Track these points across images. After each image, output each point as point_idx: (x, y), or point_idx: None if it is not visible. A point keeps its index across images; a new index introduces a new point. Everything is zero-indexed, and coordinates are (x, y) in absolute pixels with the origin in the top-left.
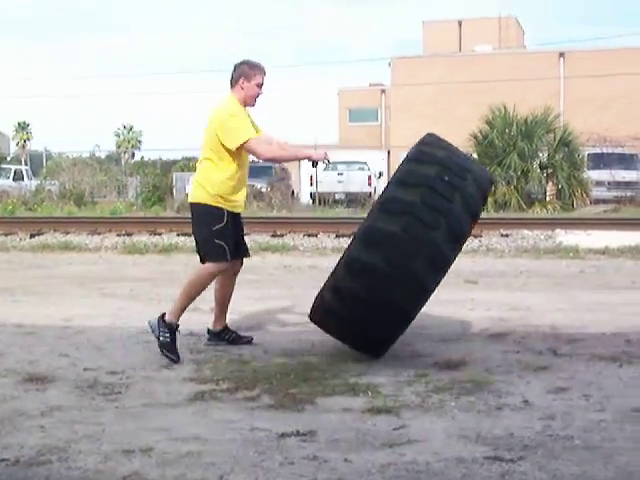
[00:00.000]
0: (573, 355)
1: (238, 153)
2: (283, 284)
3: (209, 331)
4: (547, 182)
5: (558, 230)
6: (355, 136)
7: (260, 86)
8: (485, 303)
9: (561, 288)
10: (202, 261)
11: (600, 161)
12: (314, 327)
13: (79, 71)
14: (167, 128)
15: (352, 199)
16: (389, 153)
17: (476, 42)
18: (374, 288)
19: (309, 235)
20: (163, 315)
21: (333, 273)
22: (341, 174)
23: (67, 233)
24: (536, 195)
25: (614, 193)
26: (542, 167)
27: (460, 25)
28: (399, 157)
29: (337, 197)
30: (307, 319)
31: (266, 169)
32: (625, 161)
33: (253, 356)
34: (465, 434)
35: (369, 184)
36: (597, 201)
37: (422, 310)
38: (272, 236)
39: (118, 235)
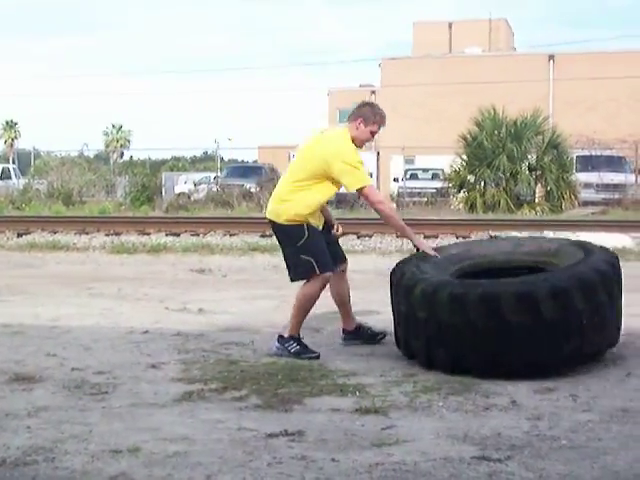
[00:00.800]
0: None
1: (338, 185)
2: (272, 284)
3: (344, 331)
4: (536, 184)
5: (546, 232)
6: None
7: (373, 134)
8: None
9: None
10: (293, 280)
11: (588, 163)
12: (304, 327)
13: (68, 70)
14: (157, 128)
15: (341, 200)
16: (378, 154)
17: (466, 44)
18: None
19: None
20: (280, 336)
21: None
22: None
23: (55, 232)
24: (525, 197)
25: (602, 195)
26: (531, 169)
27: (450, 27)
28: (388, 158)
29: None
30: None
31: (256, 169)
32: (613, 163)
33: (241, 356)
34: (453, 434)
35: None
36: (585, 203)
37: None
38: (261, 236)
39: (106, 235)
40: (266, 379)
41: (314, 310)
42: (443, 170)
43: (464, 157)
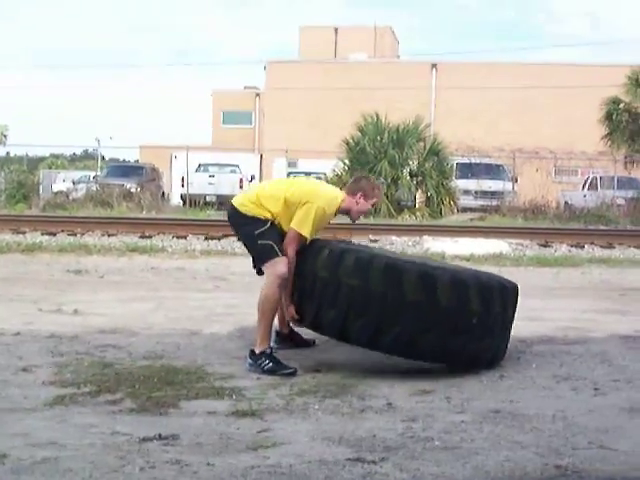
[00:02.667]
0: None
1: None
2: (150, 286)
3: (278, 334)
4: (416, 190)
5: (426, 237)
6: (228, 138)
7: (374, 205)
8: None
9: None
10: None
11: (468, 171)
12: (181, 329)
13: None
14: (34, 123)
15: (223, 201)
16: (262, 157)
17: (351, 50)
18: None
19: (178, 237)
20: (252, 352)
21: None
22: (212, 176)
23: None
24: (406, 202)
25: (480, 202)
26: (412, 175)
27: (336, 32)
28: (271, 161)
29: (208, 199)
30: (172, 321)
31: (136, 169)
32: (491, 171)
33: (117, 359)
34: (328, 436)
35: (240, 187)
36: (464, 209)
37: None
38: (140, 237)
39: None
40: (141, 382)
41: (191, 311)
42: (325, 174)
43: (346, 162)
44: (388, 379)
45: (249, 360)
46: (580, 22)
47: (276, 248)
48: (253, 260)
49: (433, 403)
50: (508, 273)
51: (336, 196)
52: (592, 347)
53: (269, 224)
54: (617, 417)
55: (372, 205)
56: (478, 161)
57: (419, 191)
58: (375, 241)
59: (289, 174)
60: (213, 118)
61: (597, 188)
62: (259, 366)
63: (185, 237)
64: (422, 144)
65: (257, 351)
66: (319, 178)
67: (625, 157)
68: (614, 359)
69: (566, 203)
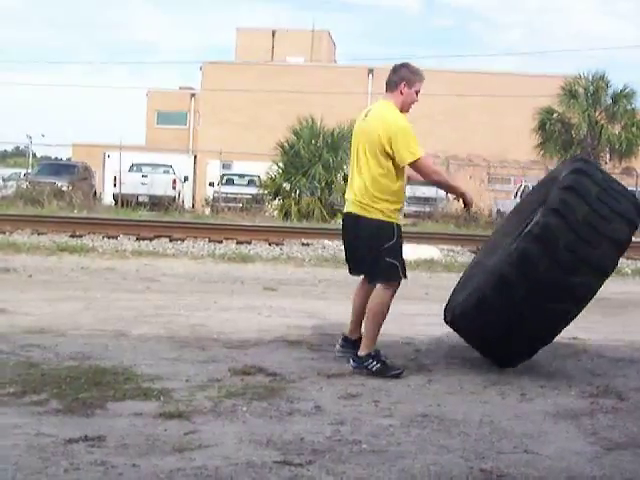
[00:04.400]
0: None
1: (403, 167)
2: (79, 286)
3: (345, 339)
4: None
5: None
6: (162, 139)
7: (418, 93)
8: (283, 310)
9: None
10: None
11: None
12: (110, 330)
13: None
14: None
15: (156, 202)
16: (196, 158)
17: (289, 53)
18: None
19: (109, 237)
20: (356, 355)
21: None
22: (145, 176)
23: None
24: (339, 206)
25: (414, 208)
26: (346, 179)
27: (274, 35)
28: (205, 162)
29: (140, 199)
30: (101, 321)
31: (69, 167)
32: None
33: (43, 359)
34: (256, 439)
35: (174, 187)
36: None
37: (220, 316)
38: (71, 236)
39: None
40: (68, 383)
41: (120, 312)
42: (259, 177)
43: (281, 165)
44: (317, 383)
45: (353, 363)
46: (516, 32)
47: (398, 269)
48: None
49: (361, 407)
50: (439, 279)
51: (390, 104)
52: None
53: (395, 232)
54: (543, 422)
55: (416, 93)
56: None
57: None
58: (307, 245)
59: (223, 176)
60: (147, 118)
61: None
62: (366, 367)
63: (116, 237)
64: None
65: (364, 353)
66: (252, 181)
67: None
68: (541, 365)
69: (498, 211)
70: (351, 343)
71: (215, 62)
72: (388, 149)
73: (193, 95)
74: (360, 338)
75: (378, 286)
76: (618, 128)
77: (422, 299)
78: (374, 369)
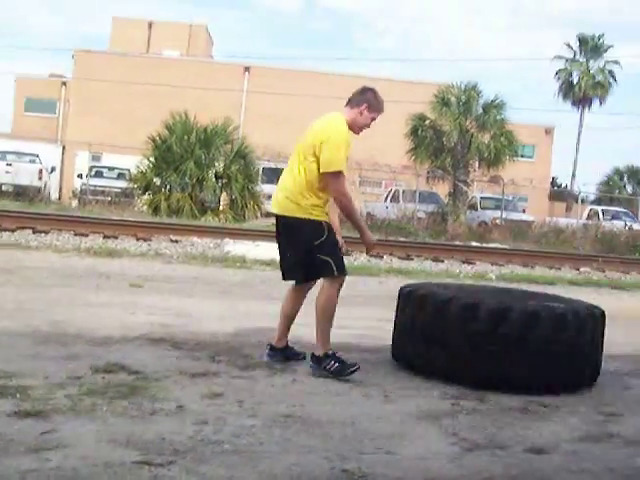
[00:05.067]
0: (231, 363)
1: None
2: None
3: (272, 347)
4: (221, 192)
5: (227, 239)
6: (30, 127)
7: (373, 120)
8: (149, 307)
9: (226, 296)
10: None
11: (274, 176)
12: None
13: None
14: None
15: (20, 192)
16: (64, 148)
17: (165, 45)
18: None
19: None
20: (313, 356)
21: None
22: (10, 165)
23: None
24: (210, 204)
25: None
26: (217, 176)
27: (150, 26)
28: (74, 153)
29: (4, 188)
30: None
31: None
32: None
33: None
34: (116, 438)
35: (40, 178)
36: (268, 214)
37: (84, 312)
38: None
39: None
40: None
41: None
42: (130, 170)
43: (152, 159)
44: (180, 382)
45: (311, 363)
46: (393, 39)
47: (336, 264)
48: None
49: (224, 406)
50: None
51: (339, 116)
52: (385, 355)
53: (325, 229)
54: (404, 424)
55: (372, 119)
56: (284, 166)
57: (224, 193)
58: (176, 241)
59: (91, 168)
60: (15, 105)
61: (399, 201)
62: (324, 368)
63: None
64: (230, 146)
65: (320, 353)
66: (122, 174)
67: (428, 172)
68: (404, 367)
69: (368, 214)
70: (278, 351)
71: (88, 50)
72: (317, 152)
73: (64, 83)
74: (286, 347)
75: (323, 284)
76: (487, 137)
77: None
78: (332, 369)
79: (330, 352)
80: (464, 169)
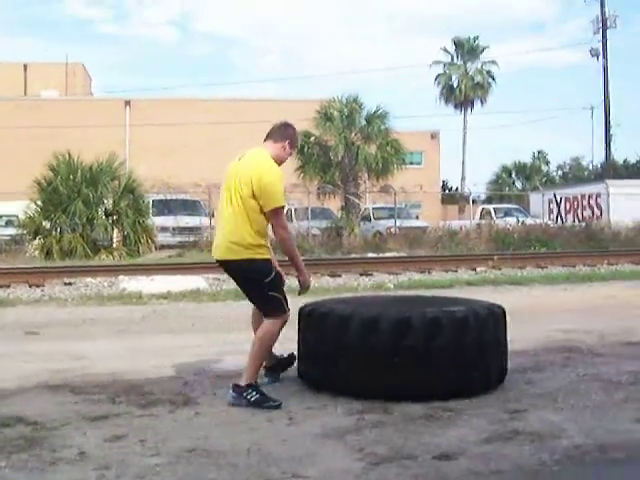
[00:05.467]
0: (131, 402)
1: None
2: None
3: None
4: (113, 229)
5: (122, 276)
6: None
7: (290, 155)
8: (46, 354)
9: (124, 335)
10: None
11: (164, 207)
12: None
13: None
14: None
15: None
16: None
17: (42, 87)
18: None
19: None
20: (236, 385)
21: None
22: None
23: None
24: (102, 242)
25: (178, 238)
26: (107, 214)
27: (25, 69)
28: None
29: None
30: None
31: None
32: (188, 207)
33: None
34: None
35: None
36: (163, 247)
37: None
38: None
39: None
40: None
41: None
42: (17, 216)
43: (39, 203)
44: (81, 427)
45: (232, 393)
46: (273, 58)
47: (283, 302)
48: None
49: (127, 448)
50: (207, 308)
51: (265, 152)
52: (291, 374)
53: (272, 270)
54: (310, 444)
55: (290, 154)
56: (174, 197)
57: (116, 230)
58: (70, 284)
59: None
60: None
61: (292, 219)
62: (245, 397)
63: None
64: (117, 182)
65: (243, 383)
66: (10, 221)
67: (318, 188)
68: (307, 388)
69: None
70: (271, 369)
71: None
72: (258, 193)
73: None
74: (277, 363)
75: (266, 319)
76: (374, 148)
77: (189, 331)
78: (252, 399)
79: (254, 383)
80: (354, 182)
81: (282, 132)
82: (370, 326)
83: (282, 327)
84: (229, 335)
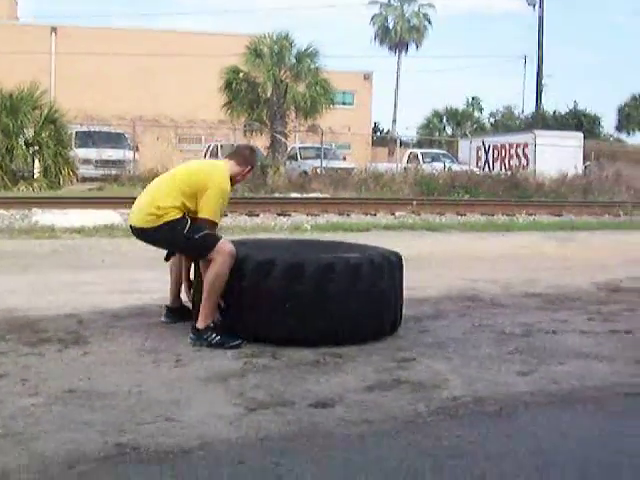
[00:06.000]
0: (21, 340)
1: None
2: None
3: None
4: (33, 160)
5: (35, 209)
6: None
7: (249, 172)
8: None
9: (29, 269)
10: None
11: (88, 139)
12: None
13: None
14: None
15: None
16: None
17: None
18: None
19: None
20: (194, 328)
21: None
22: None
23: None
24: (22, 173)
25: (101, 171)
26: (28, 144)
27: None
28: None
29: None
30: None
31: None
32: (112, 140)
33: None
34: None
35: None
36: (85, 179)
37: None
38: None
39: None
40: None
41: None
42: None
43: None
44: None
45: (192, 335)
46: None
47: (213, 233)
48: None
49: (6, 387)
50: (120, 244)
51: (224, 170)
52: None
53: (187, 217)
54: (192, 387)
55: (249, 172)
56: (98, 129)
57: (36, 161)
58: None
59: None
60: None
61: (218, 156)
62: (206, 340)
63: None
64: (39, 112)
65: (202, 326)
66: None
67: (245, 125)
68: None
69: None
70: (173, 311)
71: None
72: (199, 194)
73: None
74: (180, 307)
75: (212, 260)
76: (303, 87)
77: (97, 267)
78: (214, 341)
79: (212, 325)
80: (281, 120)
81: (247, 157)
82: (263, 270)
83: (228, 265)
84: (137, 273)
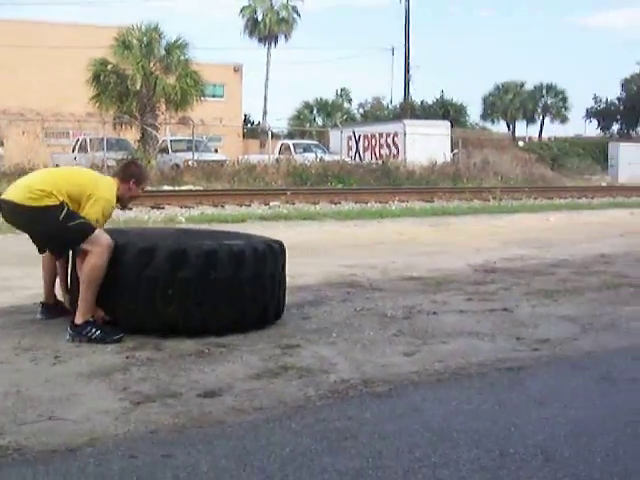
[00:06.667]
0: None
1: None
2: None
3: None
4: None
5: None
6: None
7: (143, 190)
8: None
9: None
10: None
11: None
12: None
13: None
14: None
15: None
16: None
17: None
18: None
19: None
20: (73, 323)
21: None
22: None
23: None
24: None
25: None
26: None
27: None
28: None
29: None
30: None
31: None
32: None
33: None
34: None
35: None
36: None
37: None
38: None
39: None
40: None
41: None
42: None
43: None
44: None
45: (70, 331)
46: None
47: (90, 223)
48: (43, 245)
49: None
50: None
51: (112, 183)
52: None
53: (65, 206)
54: (74, 384)
55: (142, 190)
56: None
57: None
58: None
59: None
60: None
61: (87, 150)
62: (85, 335)
63: None
64: None
65: (81, 321)
66: None
67: (114, 118)
68: None
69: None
70: (49, 308)
71: None
72: (83, 199)
73: None
74: (55, 303)
75: (88, 252)
76: (173, 79)
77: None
78: (94, 336)
79: (91, 320)
80: (151, 113)
81: (125, 172)
82: (145, 257)
83: (104, 258)
84: (7, 270)
